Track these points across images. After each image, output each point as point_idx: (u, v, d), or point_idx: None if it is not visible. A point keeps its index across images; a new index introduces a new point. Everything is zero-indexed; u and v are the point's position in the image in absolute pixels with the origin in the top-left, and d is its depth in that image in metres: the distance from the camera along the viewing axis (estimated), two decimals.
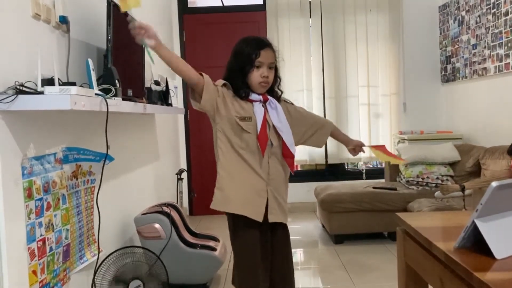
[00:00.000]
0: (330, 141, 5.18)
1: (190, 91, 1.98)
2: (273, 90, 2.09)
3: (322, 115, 5.20)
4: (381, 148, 2.36)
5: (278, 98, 2.11)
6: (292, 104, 2.22)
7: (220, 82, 2.02)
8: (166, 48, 1.87)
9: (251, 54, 1.97)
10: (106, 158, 2.22)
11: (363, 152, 2.30)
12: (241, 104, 1.99)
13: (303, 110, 2.26)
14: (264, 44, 2.01)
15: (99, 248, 2.27)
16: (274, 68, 2.05)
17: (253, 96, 2.01)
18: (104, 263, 2.39)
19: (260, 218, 2.00)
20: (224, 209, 2.03)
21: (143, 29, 1.75)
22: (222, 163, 2.02)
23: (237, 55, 2.01)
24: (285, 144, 2.03)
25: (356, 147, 2.27)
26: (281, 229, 2.11)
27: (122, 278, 2.44)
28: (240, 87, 1.99)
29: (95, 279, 2.29)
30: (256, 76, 1.98)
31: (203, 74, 1.95)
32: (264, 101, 2.03)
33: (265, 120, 1.99)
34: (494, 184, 1.14)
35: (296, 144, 2.13)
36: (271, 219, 2.03)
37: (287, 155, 2.04)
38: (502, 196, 1.19)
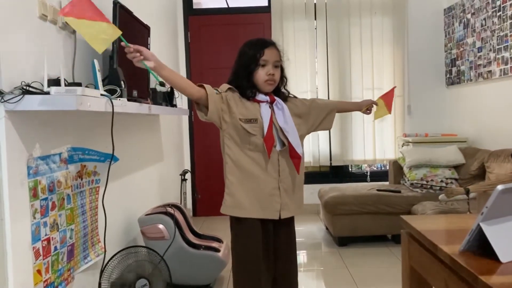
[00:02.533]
0: (334, 143, 5.20)
1: (195, 103, 1.98)
2: (279, 91, 2.10)
3: None
4: (387, 97, 2.44)
5: (285, 99, 2.12)
6: (296, 97, 2.22)
7: (225, 86, 2.02)
8: (166, 67, 1.86)
9: (255, 53, 1.98)
10: (112, 158, 2.23)
11: (376, 104, 2.41)
12: (247, 106, 1.99)
13: (311, 101, 2.24)
14: (268, 43, 2.02)
15: (105, 248, 2.27)
16: (280, 67, 2.05)
17: (260, 97, 2.02)
18: (110, 262, 2.40)
19: (276, 216, 2.03)
20: (235, 214, 2.03)
21: (139, 51, 1.74)
22: (230, 168, 2.02)
23: (242, 56, 2.02)
24: (291, 146, 2.03)
25: (369, 107, 2.37)
26: (286, 225, 2.11)
27: (129, 277, 2.45)
28: (246, 87, 2.00)
29: (102, 278, 2.29)
30: (262, 75, 1.98)
31: (204, 85, 1.94)
32: (271, 102, 2.03)
33: (272, 122, 1.99)
34: (499, 187, 1.14)
35: (309, 132, 2.21)
36: (284, 215, 2.05)
37: (294, 156, 2.05)
38: (507, 199, 1.19)
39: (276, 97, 2.05)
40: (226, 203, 2.04)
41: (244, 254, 2.03)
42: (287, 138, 2.02)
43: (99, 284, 2.28)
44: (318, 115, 2.20)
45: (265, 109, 2.00)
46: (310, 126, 2.19)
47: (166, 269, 2.53)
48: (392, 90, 2.46)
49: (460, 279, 1.20)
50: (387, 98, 2.44)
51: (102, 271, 2.30)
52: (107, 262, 2.37)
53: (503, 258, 1.16)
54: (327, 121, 2.24)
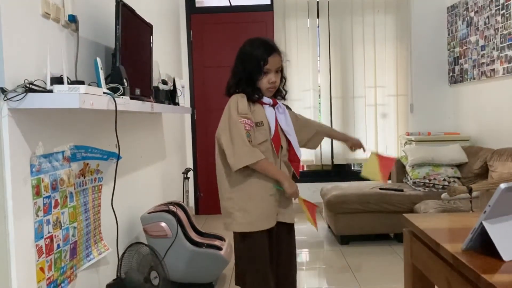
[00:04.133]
0: (336, 141, 5.19)
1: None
2: (278, 90, 2.10)
3: (329, 115, 5.21)
4: (385, 163, 2.20)
5: (283, 97, 2.13)
6: (290, 108, 2.24)
7: (244, 97, 2.00)
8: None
9: (259, 61, 1.97)
10: (114, 156, 2.23)
11: (364, 151, 2.28)
12: (253, 108, 2.01)
13: (302, 116, 2.29)
14: (271, 50, 2.00)
15: (117, 246, 2.28)
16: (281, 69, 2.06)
17: (265, 99, 2.04)
18: (126, 255, 2.43)
19: (278, 219, 2.07)
20: (250, 230, 2.01)
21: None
22: (237, 181, 2.01)
23: (245, 62, 2.00)
24: (293, 148, 2.04)
25: (354, 146, 2.25)
26: (287, 231, 2.13)
27: (142, 270, 2.47)
28: (251, 92, 2.00)
29: (121, 268, 2.36)
30: (265, 83, 2.00)
31: (262, 159, 1.93)
32: (273, 105, 2.04)
33: (277, 123, 2.02)
34: (502, 185, 1.13)
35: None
36: (284, 219, 2.09)
37: (294, 159, 2.06)
38: (510, 198, 1.19)
39: (278, 101, 2.08)
40: (237, 220, 2.02)
41: (253, 253, 2.03)
42: (288, 141, 2.03)
43: (118, 273, 2.31)
44: (306, 132, 2.23)
45: (269, 111, 2.03)
46: (302, 139, 2.21)
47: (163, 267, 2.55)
48: (392, 159, 2.26)
49: (462, 278, 1.19)
50: (385, 163, 2.20)
51: (119, 265, 2.35)
52: (122, 255, 2.41)
53: (505, 256, 1.16)
54: (313, 142, 2.25)
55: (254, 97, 2.00)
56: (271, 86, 2.01)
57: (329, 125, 5.21)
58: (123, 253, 2.43)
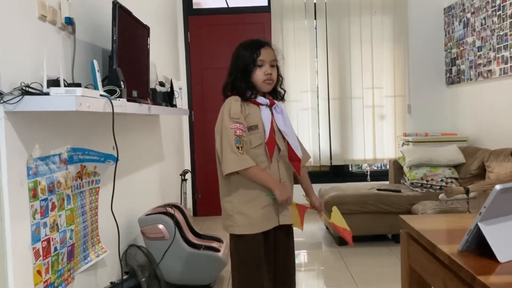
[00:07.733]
0: (334, 142, 5.21)
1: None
2: (275, 90, 2.10)
3: (327, 117, 5.22)
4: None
5: (282, 97, 2.12)
6: None
7: (238, 100, 1.99)
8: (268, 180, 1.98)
9: (252, 54, 1.98)
10: (112, 158, 2.23)
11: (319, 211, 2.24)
12: (248, 110, 1.99)
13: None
14: (262, 43, 2.03)
15: (119, 247, 2.28)
16: (276, 67, 2.06)
17: (260, 100, 2.02)
18: (130, 252, 2.44)
19: (280, 222, 2.05)
20: (250, 232, 2.00)
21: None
22: (234, 187, 2.00)
23: (239, 58, 2.02)
24: (291, 148, 2.03)
25: (314, 207, 2.23)
26: (286, 228, 2.12)
27: (146, 266, 2.49)
28: (246, 89, 2.00)
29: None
30: (260, 75, 1.99)
31: (252, 167, 1.93)
32: (271, 105, 2.04)
33: (272, 126, 2.01)
34: (498, 187, 1.14)
35: None
36: (284, 221, 2.06)
37: (294, 159, 2.05)
38: (506, 199, 1.19)
39: (275, 101, 2.07)
40: (237, 222, 2.01)
41: (248, 257, 2.02)
42: (286, 141, 2.03)
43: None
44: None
45: (265, 112, 2.01)
46: None
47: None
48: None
49: (458, 279, 1.20)
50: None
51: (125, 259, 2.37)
52: (127, 250, 2.42)
53: (501, 258, 1.17)
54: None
55: (248, 95, 1.99)
56: (267, 78, 1.99)
57: (327, 126, 5.23)
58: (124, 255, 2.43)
